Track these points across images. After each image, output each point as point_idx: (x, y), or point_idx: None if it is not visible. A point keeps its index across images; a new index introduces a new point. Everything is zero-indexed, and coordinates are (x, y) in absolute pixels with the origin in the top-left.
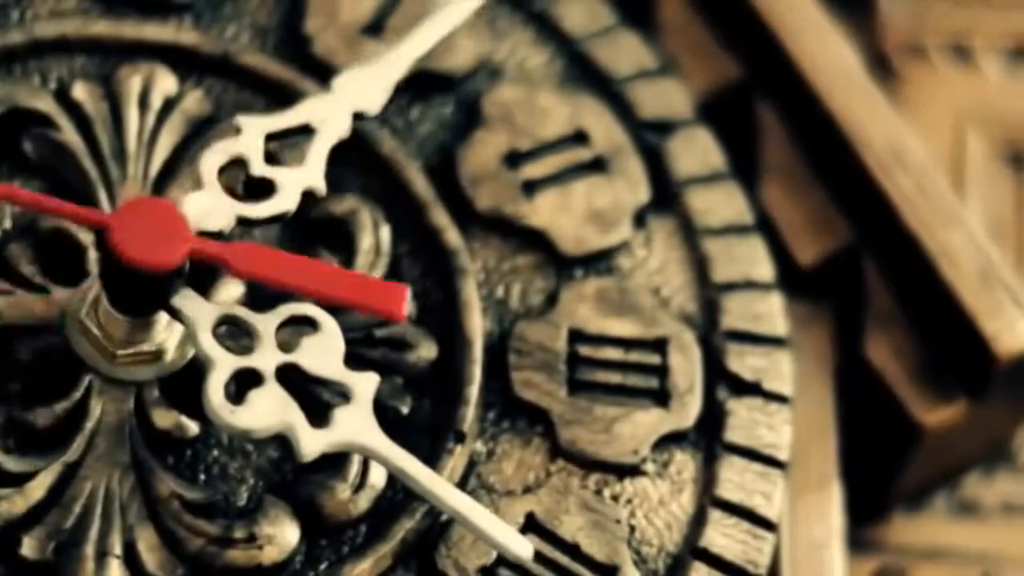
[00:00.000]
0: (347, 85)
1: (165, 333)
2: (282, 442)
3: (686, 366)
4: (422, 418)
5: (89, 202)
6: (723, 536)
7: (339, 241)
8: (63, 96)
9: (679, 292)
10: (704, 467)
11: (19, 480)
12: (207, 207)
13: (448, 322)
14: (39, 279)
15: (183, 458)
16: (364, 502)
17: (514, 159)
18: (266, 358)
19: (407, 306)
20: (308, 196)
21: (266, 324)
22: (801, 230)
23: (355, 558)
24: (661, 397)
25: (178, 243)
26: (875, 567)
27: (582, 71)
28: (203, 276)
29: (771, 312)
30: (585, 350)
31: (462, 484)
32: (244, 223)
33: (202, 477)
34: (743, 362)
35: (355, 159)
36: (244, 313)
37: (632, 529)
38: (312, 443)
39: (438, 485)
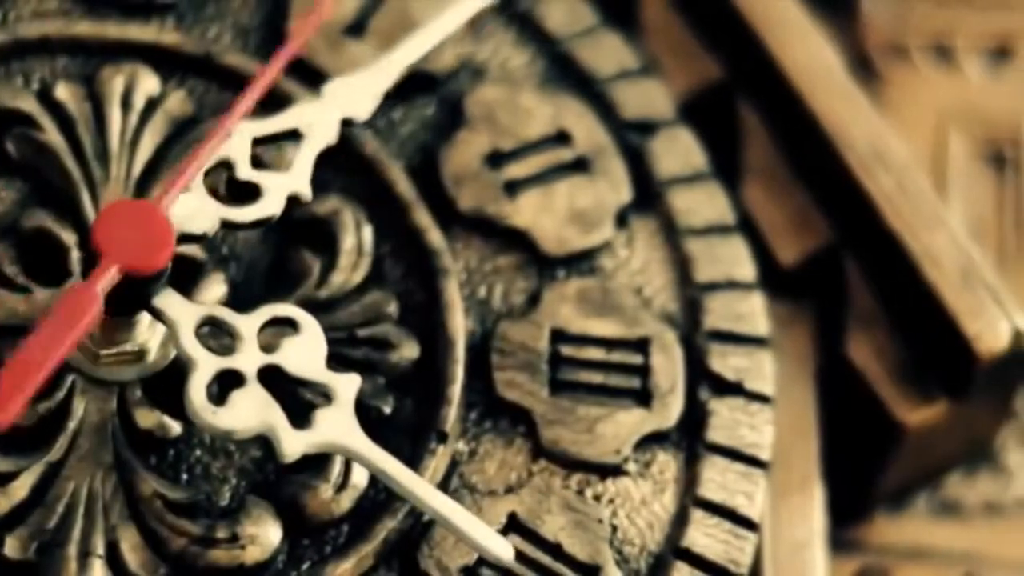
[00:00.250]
0: (337, 91)
1: (148, 333)
2: (264, 442)
3: (668, 366)
4: (404, 418)
5: (72, 202)
6: (705, 536)
7: (321, 241)
8: (46, 96)
9: (661, 292)
10: (686, 467)
11: (2, 480)
12: (192, 209)
13: (430, 322)
14: (22, 279)
15: (166, 458)
16: (346, 502)
17: (496, 159)
18: (248, 359)
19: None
20: (293, 201)
21: (248, 325)
22: (783, 230)
23: (337, 558)
24: (643, 397)
25: (161, 244)
26: (857, 567)
27: (564, 71)
28: (186, 277)
29: (753, 312)
30: (567, 350)
31: (444, 484)
32: (228, 226)
33: (185, 477)
34: (725, 362)
35: (338, 159)
36: (226, 314)
37: (614, 529)
38: (293, 444)
39: (419, 486)
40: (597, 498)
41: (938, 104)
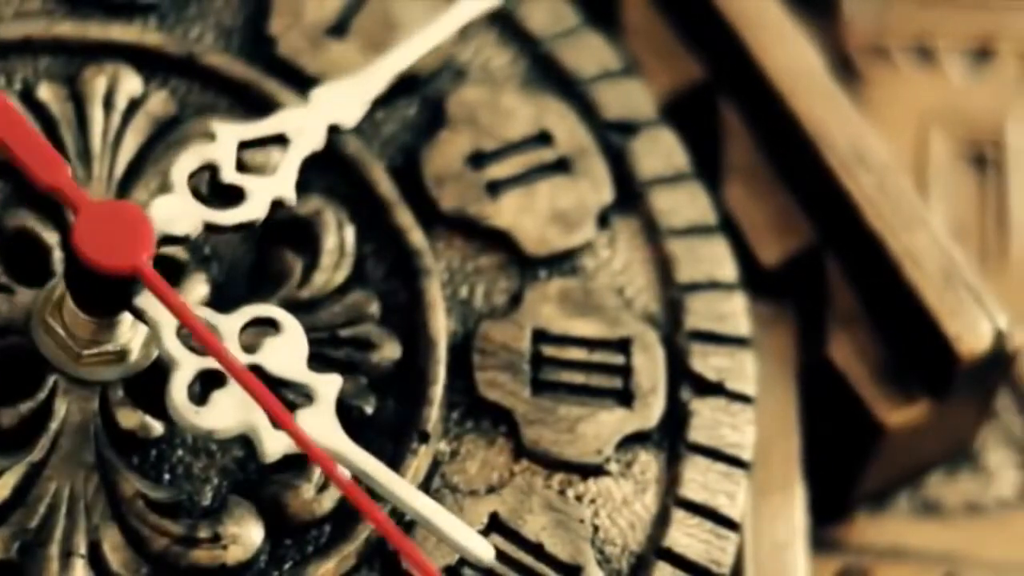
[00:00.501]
0: (325, 97)
1: (130, 333)
2: (246, 442)
3: (650, 366)
4: (386, 418)
5: (54, 202)
6: (686, 536)
7: (303, 241)
8: (28, 97)
9: (643, 292)
10: (667, 467)
11: None
12: (174, 211)
13: (412, 322)
14: (3, 279)
15: (148, 458)
16: (328, 502)
17: (478, 159)
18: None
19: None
20: (277, 205)
21: (230, 325)
22: (764, 230)
23: (319, 558)
24: (625, 397)
25: (141, 245)
26: (838, 567)
27: (546, 71)
28: (168, 277)
29: (734, 312)
30: (549, 350)
31: (426, 484)
32: (211, 229)
33: (167, 477)
34: (706, 362)
35: (320, 159)
36: (208, 314)
37: (596, 529)
38: (274, 444)
39: (399, 487)
40: (579, 498)
41: (919, 105)
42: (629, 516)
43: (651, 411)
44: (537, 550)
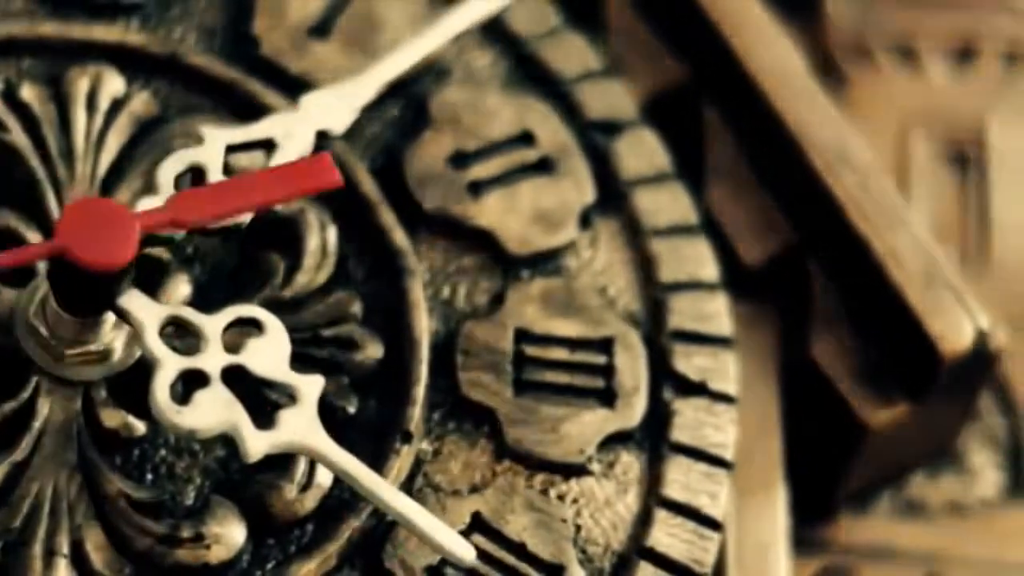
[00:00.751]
0: (314, 103)
1: (113, 333)
2: (228, 442)
3: (632, 366)
4: (369, 418)
5: (37, 202)
6: (669, 536)
7: (286, 241)
8: (11, 97)
9: (625, 292)
10: (650, 467)
11: None
12: None
13: (395, 322)
14: None
15: (130, 458)
16: (311, 501)
17: (461, 160)
18: (212, 359)
19: (335, 170)
20: (263, 209)
21: (213, 325)
22: (747, 231)
23: (302, 557)
24: (607, 397)
25: (125, 244)
26: (821, 566)
27: (528, 72)
28: (151, 277)
29: (717, 312)
30: (531, 350)
31: (409, 483)
32: (196, 232)
33: (149, 477)
34: (689, 362)
35: None
36: (191, 314)
37: (578, 529)
38: (256, 444)
39: (381, 487)
40: (561, 498)
41: (901, 105)
42: (611, 516)
43: (633, 411)
44: (519, 550)
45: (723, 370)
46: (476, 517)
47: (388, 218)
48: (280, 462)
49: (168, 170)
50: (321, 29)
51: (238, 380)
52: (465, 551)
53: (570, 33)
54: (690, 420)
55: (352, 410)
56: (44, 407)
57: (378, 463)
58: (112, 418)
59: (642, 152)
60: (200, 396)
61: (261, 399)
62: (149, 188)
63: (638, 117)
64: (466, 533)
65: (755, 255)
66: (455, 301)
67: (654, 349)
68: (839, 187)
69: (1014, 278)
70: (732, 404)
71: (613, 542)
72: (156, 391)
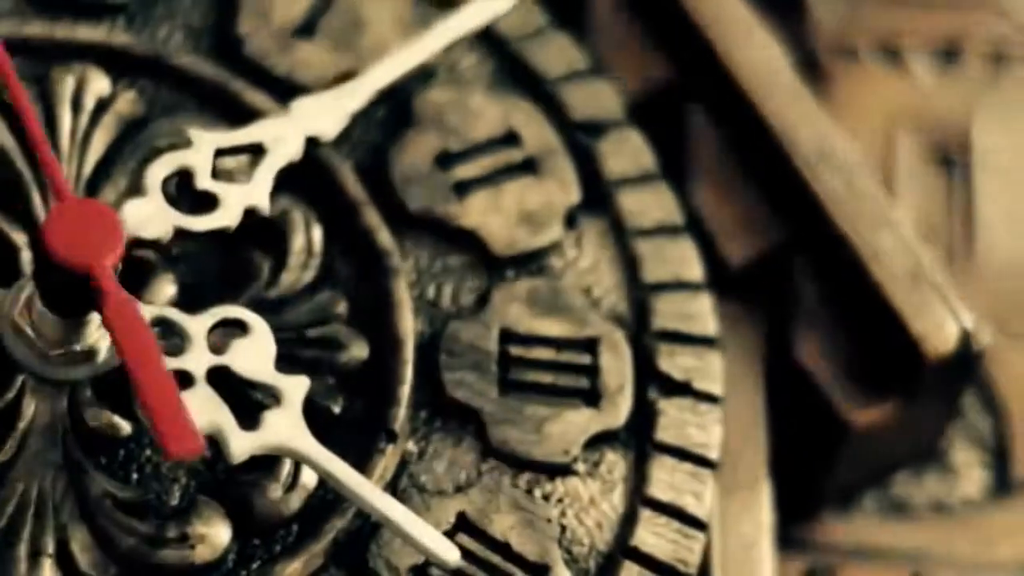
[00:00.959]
0: (305, 109)
1: (98, 333)
2: (213, 443)
3: (617, 366)
4: (354, 418)
5: (23, 203)
6: (654, 535)
7: (271, 241)
8: None
9: (610, 292)
10: (635, 467)
11: None
12: (146, 215)
13: (380, 322)
14: None
15: (116, 458)
16: (296, 502)
17: (446, 160)
18: (197, 360)
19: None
20: (250, 213)
21: (197, 326)
22: (731, 230)
23: (287, 557)
24: (592, 397)
25: (111, 246)
26: (805, 566)
27: (513, 72)
28: (136, 277)
29: (701, 312)
30: (516, 350)
31: (394, 483)
32: (182, 235)
33: (135, 476)
34: (673, 362)
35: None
36: (176, 315)
37: (563, 528)
38: (241, 445)
39: (365, 489)
40: (546, 497)
41: (886, 105)
42: (596, 515)
43: (618, 411)
44: (504, 549)
45: (708, 370)
46: (461, 517)
47: (373, 218)
48: (265, 462)
49: (156, 172)
50: (306, 29)
51: (223, 381)
52: (449, 553)
53: (555, 33)
54: (675, 420)
55: (337, 410)
56: (29, 407)
57: (363, 463)
58: (97, 418)
59: (627, 152)
60: (184, 397)
61: (246, 400)
62: (135, 189)
63: (623, 117)
64: (451, 533)
65: (740, 255)
66: (440, 301)
67: (639, 349)
68: (823, 187)
69: (999, 278)
70: (717, 404)
71: (598, 542)
72: None
